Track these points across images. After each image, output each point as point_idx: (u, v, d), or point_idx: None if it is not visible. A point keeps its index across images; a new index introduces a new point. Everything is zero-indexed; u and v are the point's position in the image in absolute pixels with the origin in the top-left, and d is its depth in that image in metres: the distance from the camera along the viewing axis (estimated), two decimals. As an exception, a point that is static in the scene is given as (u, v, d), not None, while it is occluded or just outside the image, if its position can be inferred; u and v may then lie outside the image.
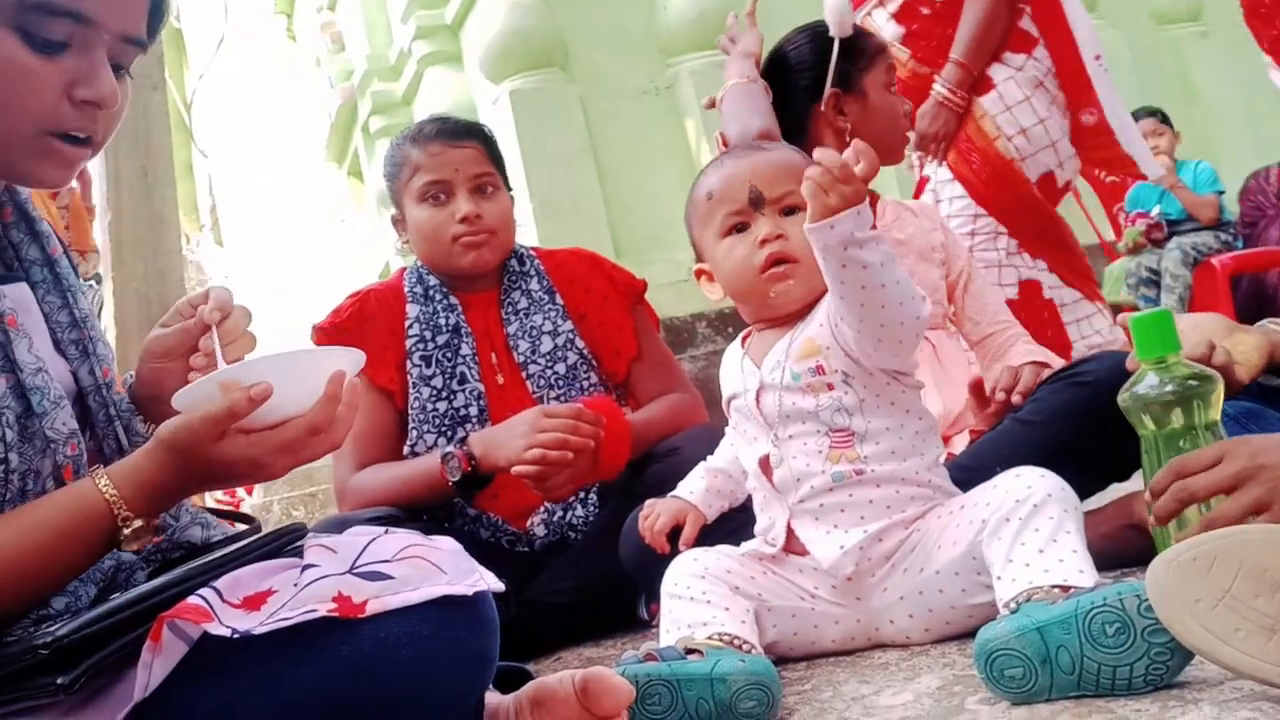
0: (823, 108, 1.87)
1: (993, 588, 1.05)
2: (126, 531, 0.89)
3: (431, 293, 1.88)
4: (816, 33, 1.91)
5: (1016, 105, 2.37)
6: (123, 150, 3.57)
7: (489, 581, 0.88)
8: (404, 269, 1.95)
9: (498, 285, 1.92)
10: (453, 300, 1.88)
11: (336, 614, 0.80)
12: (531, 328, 1.88)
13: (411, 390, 1.82)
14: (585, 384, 1.88)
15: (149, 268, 3.62)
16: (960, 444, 1.66)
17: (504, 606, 0.93)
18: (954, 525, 1.11)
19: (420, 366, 1.83)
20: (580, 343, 1.90)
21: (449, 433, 1.80)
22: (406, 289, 1.89)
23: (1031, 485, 1.04)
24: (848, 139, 1.86)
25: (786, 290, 1.22)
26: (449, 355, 1.84)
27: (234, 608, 0.83)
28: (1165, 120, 4.44)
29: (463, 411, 1.81)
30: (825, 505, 1.18)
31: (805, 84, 1.90)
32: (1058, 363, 1.81)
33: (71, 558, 0.88)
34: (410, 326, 1.85)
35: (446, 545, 0.90)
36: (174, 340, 1.07)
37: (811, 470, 1.18)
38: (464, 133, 1.87)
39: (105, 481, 0.90)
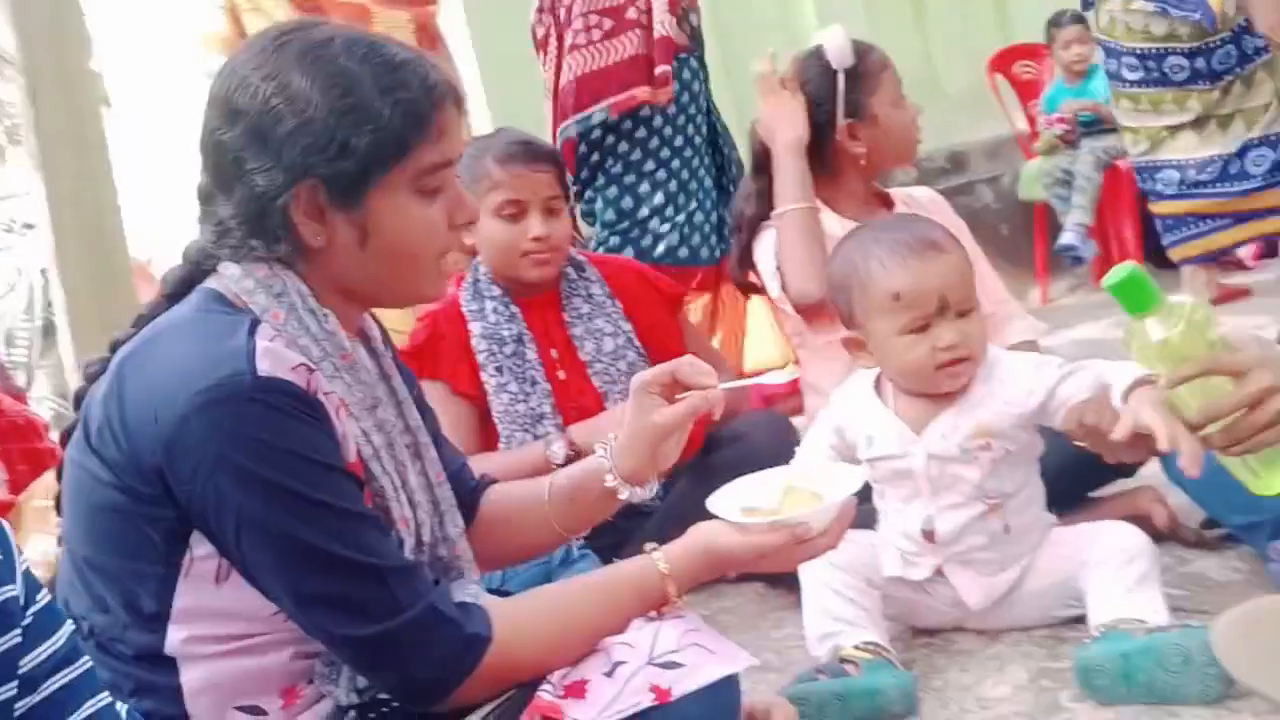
0: (838, 139, 2.05)
1: (1073, 607, 1.43)
2: (665, 607, 1.13)
3: (493, 304, 2.09)
4: (824, 66, 2.06)
5: None
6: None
7: (744, 657, 1.16)
8: (460, 283, 2.14)
9: (554, 289, 2.14)
10: (513, 309, 2.09)
11: (656, 702, 1.08)
12: (595, 329, 2.13)
13: (492, 397, 2.05)
14: None
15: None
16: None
17: None
18: (1056, 558, 1.46)
19: (496, 376, 2.05)
20: (637, 342, 2.15)
21: (532, 429, 2.05)
22: (464, 309, 2.09)
23: (1128, 542, 1.39)
24: (863, 163, 2.09)
25: (957, 381, 1.45)
26: (518, 363, 2.07)
27: (562, 699, 1.09)
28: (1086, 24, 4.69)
29: (538, 410, 2.06)
30: (976, 558, 1.48)
31: (820, 120, 2.07)
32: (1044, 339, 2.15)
33: (624, 618, 1.11)
34: (477, 344, 2.07)
35: (703, 625, 1.17)
36: (674, 420, 1.23)
37: (970, 531, 1.46)
38: (544, 157, 2.06)
39: (666, 566, 1.12)
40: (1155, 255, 4.54)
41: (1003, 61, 5.01)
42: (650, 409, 1.24)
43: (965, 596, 1.50)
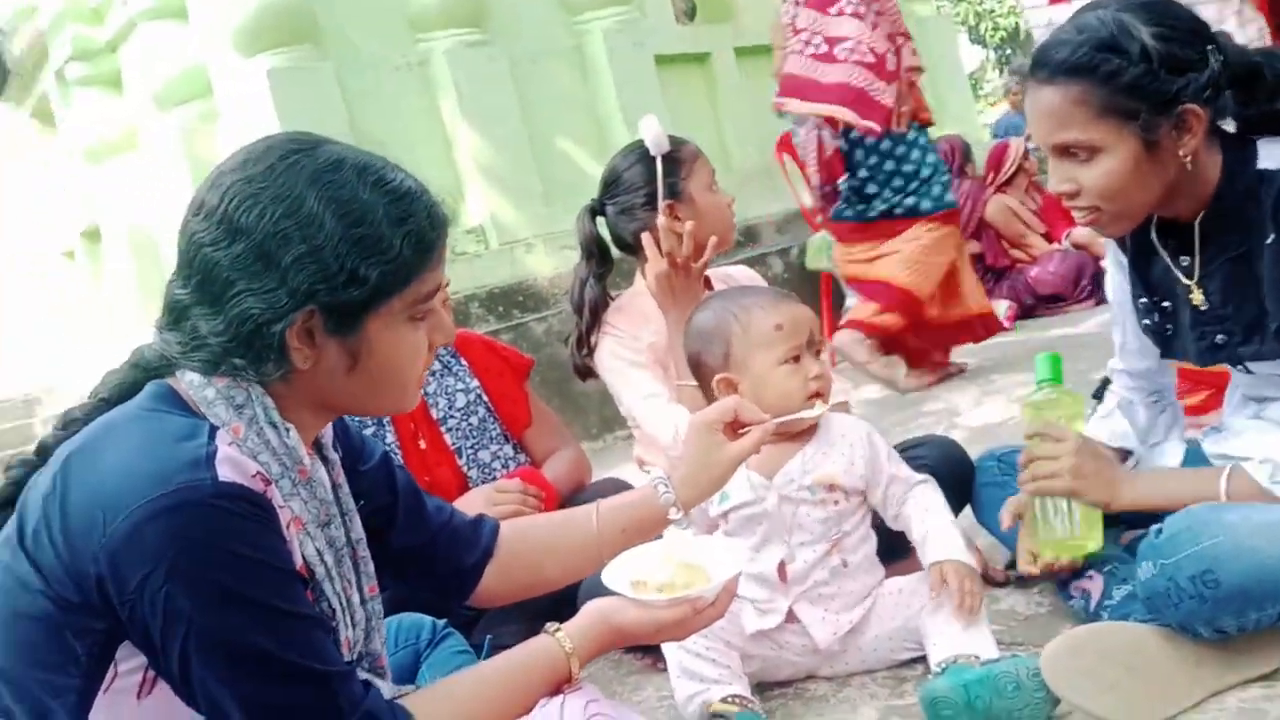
0: (661, 218, 2.16)
1: (912, 650, 1.58)
2: (568, 686, 1.15)
3: None
4: (643, 153, 2.22)
5: None
6: None
7: (641, 720, 1.23)
8: None
9: None
10: None
11: None
12: (447, 386, 2.18)
13: None
14: (493, 433, 2.20)
15: None
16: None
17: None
18: (893, 605, 1.63)
19: None
20: (486, 398, 2.21)
21: None
22: None
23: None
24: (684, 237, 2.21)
25: (816, 414, 1.62)
26: None
27: None
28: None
29: None
30: (822, 594, 1.62)
31: (642, 201, 2.21)
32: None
33: (534, 699, 1.13)
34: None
35: (601, 696, 1.23)
36: (746, 451, 1.35)
37: (816, 567, 1.61)
38: None
39: (570, 645, 1.16)
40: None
41: (787, 143, 5.40)
42: (718, 445, 1.36)
43: (814, 634, 1.62)
